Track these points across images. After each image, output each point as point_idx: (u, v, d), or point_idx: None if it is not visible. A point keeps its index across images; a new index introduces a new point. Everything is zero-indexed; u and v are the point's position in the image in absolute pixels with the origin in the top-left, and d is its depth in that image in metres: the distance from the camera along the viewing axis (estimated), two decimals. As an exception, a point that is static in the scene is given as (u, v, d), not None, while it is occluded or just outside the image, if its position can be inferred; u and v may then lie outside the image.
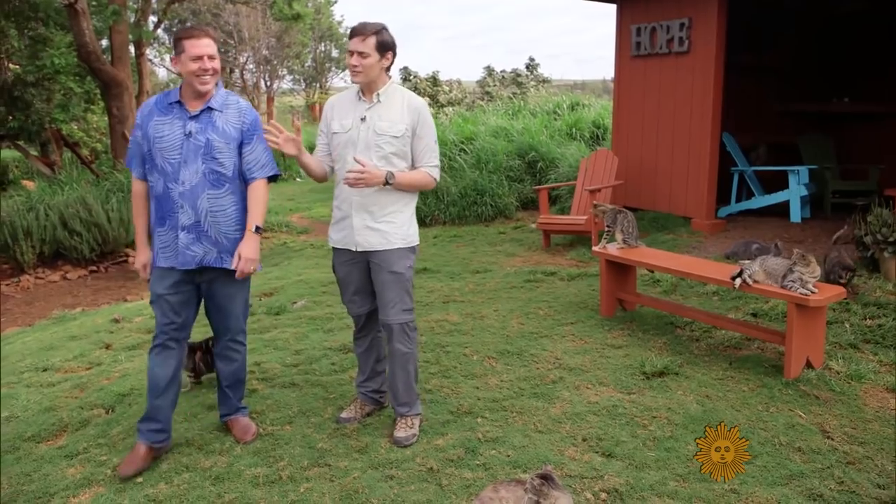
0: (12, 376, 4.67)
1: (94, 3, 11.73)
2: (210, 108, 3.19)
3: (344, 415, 3.66)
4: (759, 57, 8.99)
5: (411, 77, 28.63)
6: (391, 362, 3.52)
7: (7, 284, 8.81)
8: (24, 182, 14.14)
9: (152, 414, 3.32)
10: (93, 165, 14.17)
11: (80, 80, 13.16)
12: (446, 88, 28.21)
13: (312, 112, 35.16)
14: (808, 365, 4.03)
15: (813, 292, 3.89)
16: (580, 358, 4.41)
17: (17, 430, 3.75)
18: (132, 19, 13.61)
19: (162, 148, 3.14)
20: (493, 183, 10.33)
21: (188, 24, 28.04)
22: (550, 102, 16.68)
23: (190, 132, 3.14)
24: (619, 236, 5.18)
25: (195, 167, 3.13)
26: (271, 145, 3.28)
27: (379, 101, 3.33)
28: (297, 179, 17.83)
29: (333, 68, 37.66)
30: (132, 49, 14.04)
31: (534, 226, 8.96)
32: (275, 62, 34.24)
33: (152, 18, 16.72)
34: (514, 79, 30.61)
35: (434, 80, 28.64)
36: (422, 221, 3.43)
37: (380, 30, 3.26)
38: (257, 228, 3.28)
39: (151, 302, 3.32)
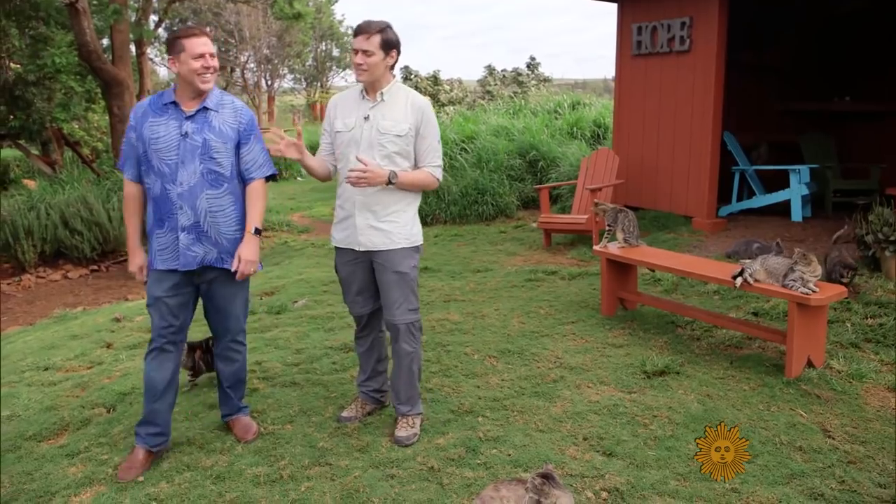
0: (13, 375, 4.67)
1: (94, 2, 11.72)
2: (206, 108, 3.17)
3: (345, 414, 3.66)
4: (760, 56, 8.98)
5: (412, 76, 28.62)
6: (395, 362, 3.52)
7: (8, 283, 8.82)
8: (25, 181, 14.16)
9: (150, 418, 3.30)
10: (94, 164, 14.19)
11: (80, 80, 13.16)
12: (447, 88, 28.20)
13: (313, 111, 35.16)
14: (809, 364, 4.03)
15: (814, 291, 3.89)
16: (581, 357, 4.41)
17: (19, 429, 3.75)
18: (133, 18, 13.60)
19: (158, 149, 3.11)
20: (494, 182, 10.33)
21: (189, 24, 28.06)
22: (551, 101, 16.67)
23: (186, 132, 3.12)
24: (620, 235, 5.18)
25: (193, 167, 3.12)
26: (274, 152, 3.28)
27: (382, 99, 3.32)
28: (298, 178, 17.83)
29: (334, 67, 37.67)
30: (133, 48, 14.05)
31: (535, 225, 8.96)
32: (276, 61, 34.25)
33: (153, 17, 16.72)
34: (515, 78, 30.61)
35: (435, 80, 28.64)
36: (423, 220, 3.44)
37: (384, 28, 3.25)
38: (256, 230, 3.28)
39: (148, 305, 3.28)
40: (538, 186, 8.83)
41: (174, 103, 3.16)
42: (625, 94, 8.82)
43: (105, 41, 12.88)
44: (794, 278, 3.94)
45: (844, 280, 4.87)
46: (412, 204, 3.44)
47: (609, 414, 3.61)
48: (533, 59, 33.00)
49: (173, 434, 3.50)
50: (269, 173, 3.36)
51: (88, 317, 6.71)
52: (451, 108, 21.02)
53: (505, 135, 12.27)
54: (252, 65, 33.83)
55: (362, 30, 3.24)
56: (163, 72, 28.74)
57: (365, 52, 3.22)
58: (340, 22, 35.73)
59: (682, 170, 8.07)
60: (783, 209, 8.12)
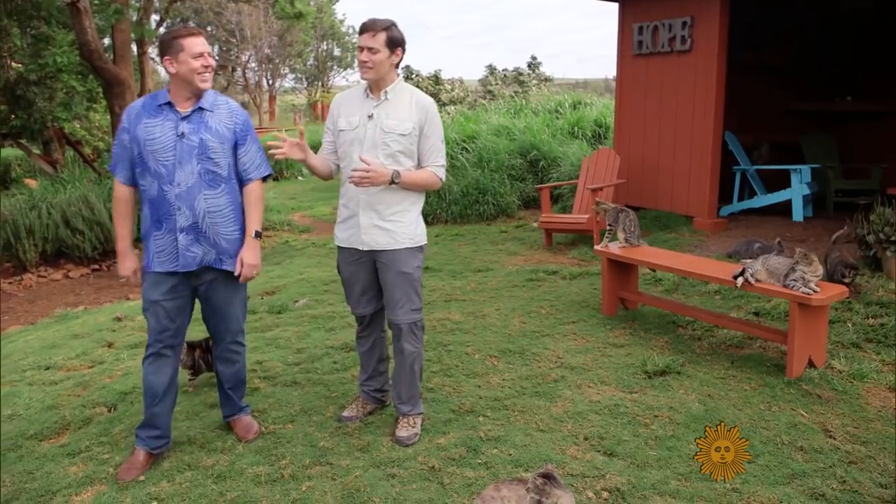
0: (15, 374, 4.68)
1: (96, 1, 11.73)
2: (201, 109, 3.16)
3: (346, 413, 3.66)
4: (761, 55, 8.97)
5: (413, 76, 28.64)
6: (397, 361, 3.52)
7: (9, 283, 8.83)
8: (27, 180, 14.17)
9: (151, 421, 3.30)
10: (95, 164, 14.18)
11: (82, 79, 13.16)
12: (448, 87, 28.22)
13: (314, 111, 35.20)
14: (811, 364, 4.03)
15: (815, 291, 3.88)
16: (582, 357, 4.40)
17: (20, 428, 3.75)
18: (134, 18, 13.59)
19: (154, 150, 3.08)
20: (494, 182, 10.33)
21: (186, 24, 28.10)
22: (552, 101, 16.67)
23: (183, 133, 3.10)
24: (620, 235, 5.18)
25: (190, 168, 3.10)
26: (278, 156, 3.27)
27: (387, 98, 3.31)
28: (299, 178, 17.85)
29: (335, 67, 37.69)
30: (134, 48, 14.04)
31: (536, 225, 8.97)
32: (277, 61, 34.28)
33: (154, 17, 16.73)
34: (516, 77, 30.62)
35: (436, 79, 28.65)
36: (424, 220, 3.43)
37: (389, 26, 3.24)
38: (257, 233, 3.29)
39: (145, 309, 3.24)
40: (539, 186, 8.83)
41: (169, 104, 3.14)
42: (626, 94, 8.82)
43: (106, 41, 12.88)
44: (795, 278, 3.94)
45: (846, 280, 4.87)
46: (416, 203, 3.43)
47: (610, 414, 3.61)
48: (534, 58, 33.02)
49: (174, 433, 3.50)
50: (266, 173, 3.36)
51: (90, 316, 6.72)
52: (453, 107, 21.03)
53: (506, 134, 12.27)
54: (253, 64, 33.87)
55: (368, 27, 3.23)
56: (164, 71, 28.77)
57: (370, 49, 3.21)
58: (341, 21, 35.78)
59: (684, 169, 8.07)
60: (784, 209, 8.12)
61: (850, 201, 8.08)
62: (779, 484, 2.95)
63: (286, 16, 15.26)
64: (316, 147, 3.58)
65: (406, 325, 3.42)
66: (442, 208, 10.01)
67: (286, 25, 28.45)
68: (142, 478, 3.17)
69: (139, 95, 13.10)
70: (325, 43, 36.43)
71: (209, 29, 30.49)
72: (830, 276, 4.87)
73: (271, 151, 3.30)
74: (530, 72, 31.47)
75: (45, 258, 9.41)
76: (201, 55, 3.09)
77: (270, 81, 35.94)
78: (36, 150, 14.67)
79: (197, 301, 3.37)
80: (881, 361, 4.16)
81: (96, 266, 9.36)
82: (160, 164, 3.09)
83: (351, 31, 36.11)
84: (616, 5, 8.74)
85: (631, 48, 8.53)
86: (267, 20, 29.69)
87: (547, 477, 2.39)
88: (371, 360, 3.68)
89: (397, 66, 3.34)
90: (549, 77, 32.11)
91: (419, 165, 3.37)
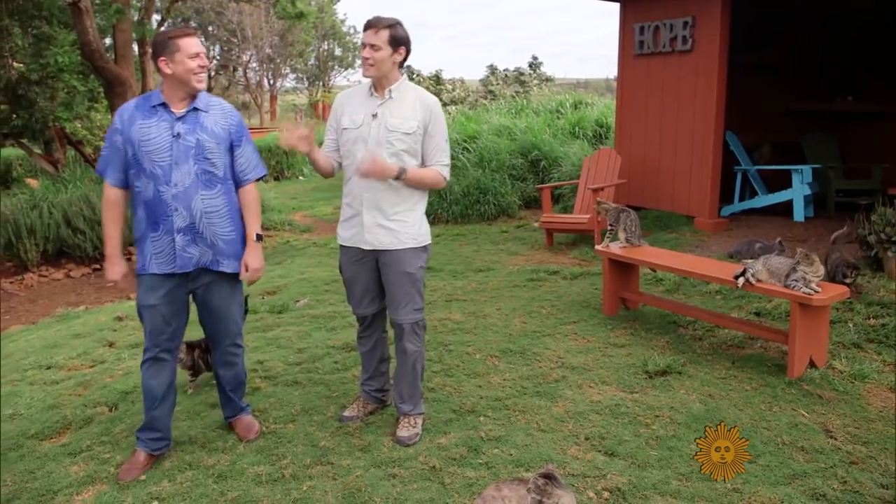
0: (16, 374, 4.68)
1: (97, 1, 11.74)
2: (196, 109, 3.14)
3: (346, 413, 3.66)
4: (762, 55, 8.97)
5: (415, 76, 28.65)
6: (398, 360, 3.52)
7: (11, 282, 8.83)
8: (28, 180, 14.18)
9: (151, 424, 3.29)
10: (96, 164, 14.19)
11: (83, 79, 13.17)
12: (449, 87, 28.24)
13: (315, 110, 35.20)
14: (812, 364, 4.03)
15: (816, 291, 3.88)
16: (583, 357, 4.40)
17: (21, 428, 3.76)
18: (136, 17, 13.61)
19: (149, 151, 3.06)
20: (496, 182, 10.33)
21: (192, 24, 28.06)
22: (553, 101, 16.67)
23: (178, 133, 3.08)
24: (622, 235, 5.17)
25: (187, 168, 3.08)
26: (283, 142, 3.24)
27: (391, 97, 3.30)
28: (300, 178, 17.86)
29: (336, 67, 37.69)
30: (136, 47, 14.06)
31: (537, 224, 8.96)
32: (278, 60, 34.29)
33: (156, 17, 16.73)
34: (517, 77, 30.63)
35: (437, 79, 28.68)
36: (425, 219, 3.47)
37: (394, 24, 3.23)
38: (258, 236, 3.30)
39: (141, 313, 3.22)
40: (540, 186, 8.83)
41: (163, 104, 3.11)
42: (627, 94, 8.82)
43: (108, 40, 12.90)
44: (796, 278, 3.94)
45: (848, 280, 4.87)
46: (420, 203, 3.42)
47: (611, 414, 3.61)
48: (535, 58, 33.08)
49: (175, 433, 3.50)
50: (262, 174, 3.37)
51: (91, 315, 6.72)
52: (454, 107, 21.04)
53: (507, 134, 12.27)
54: (254, 64, 33.88)
55: (371, 24, 3.22)
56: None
57: (373, 46, 3.20)
58: (342, 21, 35.77)
59: (685, 170, 8.07)
60: (785, 209, 8.12)
61: (852, 201, 8.08)
62: (780, 484, 2.95)
63: (287, 16, 15.27)
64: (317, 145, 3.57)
65: (408, 324, 3.42)
66: (443, 208, 10.01)
67: (287, 25, 28.45)
68: (143, 477, 3.17)
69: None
70: (326, 43, 36.42)
71: (210, 29, 30.50)
72: (831, 277, 4.86)
73: (281, 138, 3.26)
74: (531, 72, 31.48)
75: (46, 258, 9.42)
76: (197, 55, 3.08)
77: (271, 81, 35.94)
78: (37, 150, 14.69)
79: (193, 305, 3.35)
80: (882, 362, 4.15)
81: (97, 266, 9.36)
82: (156, 164, 3.06)
83: (352, 31, 36.13)
84: (617, 5, 8.74)
85: (632, 48, 8.53)
86: (268, 20, 29.69)
87: (548, 477, 2.39)
88: (372, 361, 3.68)
89: (401, 64, 3.32)
90: (551, 77, 32.14)
91: (423, 165, 3.36)
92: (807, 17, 9.12)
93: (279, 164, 17.90)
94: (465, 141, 11.81)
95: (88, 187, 10.42)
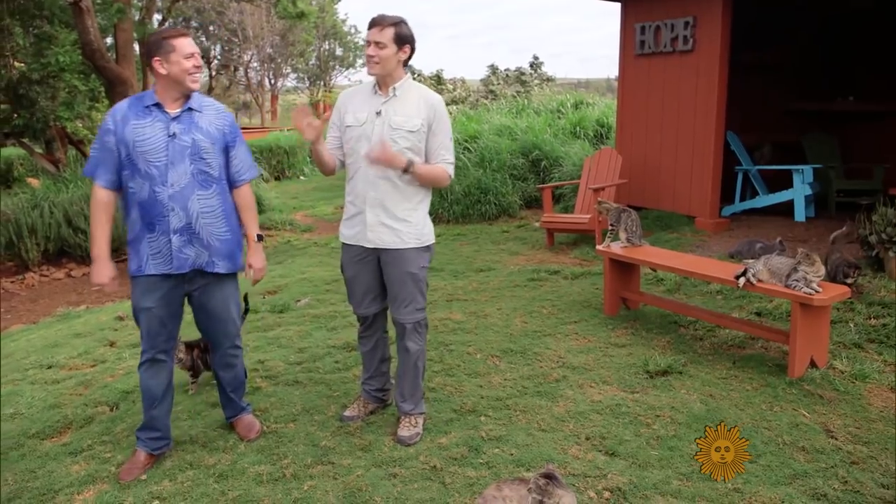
0: (17, 373, 4.68)
1: (98, 1, 11.74)
2: (190, 109, 3.14)
3: (347, 413, 3.66)
4: (763, 55, 8.97)
5: (416, 76, 28.64)
6: (400, 359, 3.52)
7: (12, 282, 8.84)
8: (29, 180, 14.20)
9: (150, 424, 3.29)
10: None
11: (84, 78, 13.17)
12: (450, 87, 28.22)
13: (316, 110, 35.15)
14: (812, 364, 4.03)
15: (817, 291, 3.88)
16: (584, 357, 4.40)
17: (22, 427, 3.76)
18: (137, 17, 13.61)
19: (144, 151, 3.04)
20: (496, 181, 10.33)
21: (193, 24, 28.06)
22: (554, 101, 16.66)
23: (174, 133, 3.07)
24: (622, 235, 5.17)
25: (183, 168, 3.07)
26: (294, 121, 3.20)
27: (395, 95, 3.29)
28: (301, 178, 17.86)
29: (337, 67, 37.69)
30: (137, 47, 14.06)
31: (537, 224, 8.96)
32: (279, 60, 34.30)
33: (157, 16, 16.73)
34: (518, 77, 30.61)
35: (438, 79, 28.66)
36: (426, 219, 3.48)
37: (398, 22, 3.23)
38: (259, 237, 3.33)
39: (137, 316, 3.20)
40: (541, 186, 8.83)
41: (157, 105, 3.10)
42: (628, 94, 8.82)
43: (109, 40, 12.90)
44: (797, 278, 3.94)
45: (849, 280, 4.86)
46: (423, 202, 3.41)
47: (612, 413, 3.61)
48: (536, 58, 33.04)
49: (176, 432, 3.51)
50: (256, 175, 3.38)
51: (92, 315, 6.73)
52: (455, 107, 21.02)
53: (508, 134, 12.26)
54: (255, 63, 33.89)
55: (376, 22, 3.21)
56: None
57: (377, 43, 3.19)
58: (343, 21, 35.75)
59: (686, 169, 8.06)
60: (786, 209, 8.12)
61: (852, 201, 8.08)
62: (780, 484, 2.95)
63: (288, 15, 15.26)
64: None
65: (410, 324, 3.42)
66: (444, 208, 10.01)
67: (288, 25, 28.46)
68: (143, 476, 3.17)
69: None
70: (327, 42, 36.41)
71: (211, 28, 30.50)
72: (832, 277, 4.86)
73: (294, 119, 3.23)
74: (532, 71, 31.46)
75: (47, 257, 9.43)
76: (192, 55, 3.07)
77: (272, 81, 35.96)
78: (38, 150, 14.69)
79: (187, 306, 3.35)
80: (883, 362, 4.15)
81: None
82: (151, 165, 3.04)
83: (353, 30, 36.14)
84: (618, 5, 8.74)
85: (633, 48, 8.53)
86: (269, 20, 29.69)
87: (549, 477, 2.39)
88: (373, 361, 3.68)
89: (405, 63, 3.31)
90: (552, 77, 32.11)
91: (427, 163, 3.35)
92: (807, 16, 9.12)
93: (280, 163, 17.91)
94: (466, 141, 11.81)
95: (89, 187, 10.35)
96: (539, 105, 16.79)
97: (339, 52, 37.12)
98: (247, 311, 4.46)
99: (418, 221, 3.37)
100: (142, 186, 3.07)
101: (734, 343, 4.57)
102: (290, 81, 38.45)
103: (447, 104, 23.78)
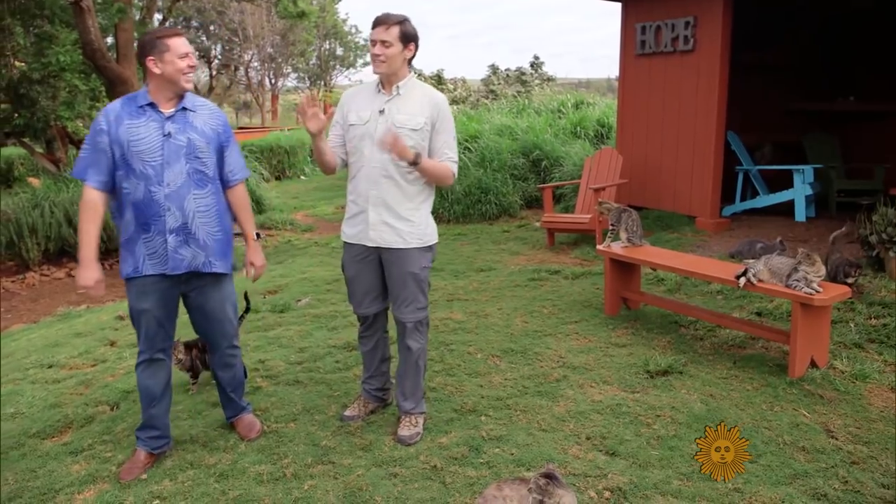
0: (17, 373, 4.69)
1: (99, 0, 11.74)
2: (185, 109, 3.13)
3: (348, 413, 3.66)
4: (764, 55, 8.97)
5: (416, 75, 28.63)
6: (401, 357, 3.52)
7: (12, 281, 8.85)
8: (30, 179, 14.19)
9: (150, 423, 3.29)
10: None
11: (85, 78, 13.16)
12: (451, 87, 28.21)
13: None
14: (813, 364, 4.03)
15: (818, 291, 3.88)
16: (584, 356, 4.40)
17: (23, 427, 3.76)
18: (137, 17, 13.61)
19: (140, 151, 3.02)
20: (497, 181, 10.33)
21: (193, 23, 28.06)
22: (555, 101, 16.66)
23: (169, 133, 3.06)
24: (623, 235, 5.17)
25: (179, 167, 3.06)
26: (300, 109, 3.20)
27: (398, 93, 3.29)
28: (302, 177, 17.86)
29: (338, 66, 37.69)
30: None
31: (538, 224, 8.96)
32: (279, 60, 34.29)
33: (157, 16, 16.73)
34: (519, 77, 30.62)
35: (439, 79, 28.67)
36: (427, 219, 3.49)
37: (403, 20, 3.23)
38: (257, 235, 3.36)
39: (134, 318, 3.19)
40: (541, 186, 8.82)
41: (151, 104, 3.08)
42: (628, 94, 8.82)
43: (109, 39, 12.89)
44: (797, 278, 3.94)
45: (851, 280, 4.86)
46: (426, 203, 3.40)
47: (612, 413, 3.61)
48: (536, 58, 33.03)
49: (177, 432, 3.51)
50: (248, 174, 3.41)
51: (92, 315, 6.73)
52: (455, 107, 21.02)
53: (508, 134, 12.27)
54: (256, 63, 33.88)
55: (381, 21, 3.21)
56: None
57: (383, 42, 3.19)
58: (344, 21, 35.75)
59: (686, 169, 8.06)
60: (787, 209, 8.11)
61: (853, 201, 8.07)
62: (781, 484, 2.95)
63: (289, 15, 15.26)
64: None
65: (411, 323, 3.42)
66: (444, 208, 10.01)
67: (289, 24, 28.46)
68: (144, 476, 3.17)
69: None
70: (327, 42, 36.41)
71: (212, 28, 30.51)
72: (832, 277, 4.86)
73: (300, 104, 3.22)
74: (533, 71, 31.47)
75: (47, 257, 9.43)
76: (186, 55, 3.07)
77: (273, 80, 35.95)
78: (39, 149, 14.69)
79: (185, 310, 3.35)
80: (883, 362, 4.15)
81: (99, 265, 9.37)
82: (147, 164, 3.03)
83: (354, 30, 36.13)
84: (619, 5, 8.74)
85: (634, 48, 8.52)
86: (269, 19, 29.69)
87: (549, 476, 2.40)
88: (373, 360, 3.68)
89: (410, 61, 3.31)
90: (552, 77, 32.13)
91: None
92: (808, 16, 9.12)
93: (280, 163, 17.91)
94: (467, 140, 11.81)
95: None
96: (540, 105, 16.79)
97: (339, 51, 37.11)
98: (248, 309, 4.46)
99: (421, 221, 3.36)
100: (137, 186, 3.04)
101: (735, 343, 4.57)
102: (291, 81, 38.45)
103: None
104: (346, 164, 3.44)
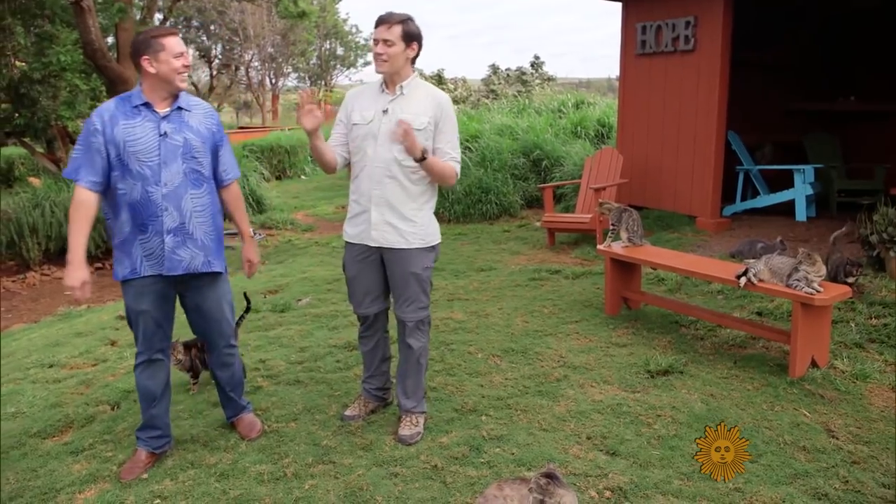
0: (18, 372, 4.69)
1: (100, 0, 11.74)
2: (180, 108, 3.13)
3: (348, 412, 3.66)
4: (764, 55, 8.96)
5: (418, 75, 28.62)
6: (402, 356, 3.52)
7: (13, 281, 8.85)
8: (30, 179, 14.19)
9: (150, 423, 3.29)
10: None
11: (86, 78, 13.16)
12: (451, 86, 28.21)
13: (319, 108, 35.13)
14: (813, 364, 4.03)
15: (818, 291, 3.88)
16: (585, 356, 4.40)
17: (23, 426, 3.76)
18: (138, 17, 13.61)
19: (136, 151, 3.00)
20: (497, 181, 10.33)
21: (194, 23, 28.06)
22: (555, 101, 16.66)
23: (165, 132, 3.05)
24: (623, 235, 5.17)
25: (176, 167, 3.05)
26: (299, 102, 3.21)
27: (402, 93, 3.29)
28: (302, 177, 17.86)
29: (338, 66, 37.70)
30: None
31: (538, 224, 8.96)
32: (280, 60, 34.28)
33: (158, 16, 16.73)
34: (519, 77, 30.62)
35: (439, 78, 28.67)
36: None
37: (406, 19, 3.22)
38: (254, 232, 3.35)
39: (131, 319, 3.18)
40: (542, 185, 8.83)
41: (146, 104, 3.07)
42: (629, 94, 8.81)
43: (110, 39, 12.90)
44: (798, 278, 3.94)
45: (850, 280, 4.86)
46: (429, 203, 3.39)
47: (612, 413, 3.61)
48: (537, 58, 33.05)
49: (177, 432, 3.51)
50: (240, 174, 3.43)
51: (93, 314, 6.73)
52: (456, 107, 21.03)
53: (509, 134, 12.27)
54: (256, 63, 33.87)
55: (384, 20, 3.21)
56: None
57: (386, 41, 3.18)
58: (345, 20, 35.75)
59: (687, 169, 8.06)
60: (787, 209, 8.11)
61: (854, 201, 8.07)
62: (781, 484, 2.95)
63: (289, 15, 15.25)
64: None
65: (413, 322, 3.42)
66: (445, 207, 10.01)
67: (289, 24, 28.44)
68: (145, 476, 3.18)
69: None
70: (328, 42, 36.41)
71: (212, 28, 30.50)
72: (833, 277, 4.86)
73: (299, 100, 3.23)
74: (533, 71, 31.47)
75: (48, 256, 9.44)
76: (181, 55, 3.06)
77: (273, 80, 35.94)
78: (39, 149, 14.69)
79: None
80: (884, 362, 4.15)
81: (100, 265, 9.36)
82: (144, 164, 3.01)
83: (354, 30, 36.13)
84: (619, 5, 8.73)
85: (634, 48, 8.52)
86: (270, 19, 29.68)
87: (549, 476, 2.40)
88: (374, 360, 3.68)
89: (413, 61, 3.31)
90: (553, 76, 32.14)
91: None
92: (808, 16, 9.11)
93: (281, 163, 17.91)
94: (468, 140, 11.81)
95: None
96: (540, 105, 16.80)
97: (340, 51, 37.11)
98: (248, 309, 4.46)
99: (423, 222, 3.36)
100: (133, 187, 3.02)
101: (735, 343, 4.57)
102: (291, 81, 38.44)
103: (448, 104, 23.90)
104: (347, 164, 3.44)
